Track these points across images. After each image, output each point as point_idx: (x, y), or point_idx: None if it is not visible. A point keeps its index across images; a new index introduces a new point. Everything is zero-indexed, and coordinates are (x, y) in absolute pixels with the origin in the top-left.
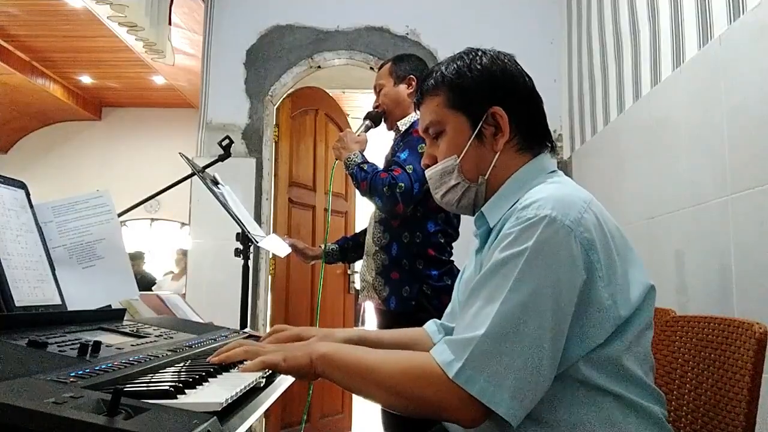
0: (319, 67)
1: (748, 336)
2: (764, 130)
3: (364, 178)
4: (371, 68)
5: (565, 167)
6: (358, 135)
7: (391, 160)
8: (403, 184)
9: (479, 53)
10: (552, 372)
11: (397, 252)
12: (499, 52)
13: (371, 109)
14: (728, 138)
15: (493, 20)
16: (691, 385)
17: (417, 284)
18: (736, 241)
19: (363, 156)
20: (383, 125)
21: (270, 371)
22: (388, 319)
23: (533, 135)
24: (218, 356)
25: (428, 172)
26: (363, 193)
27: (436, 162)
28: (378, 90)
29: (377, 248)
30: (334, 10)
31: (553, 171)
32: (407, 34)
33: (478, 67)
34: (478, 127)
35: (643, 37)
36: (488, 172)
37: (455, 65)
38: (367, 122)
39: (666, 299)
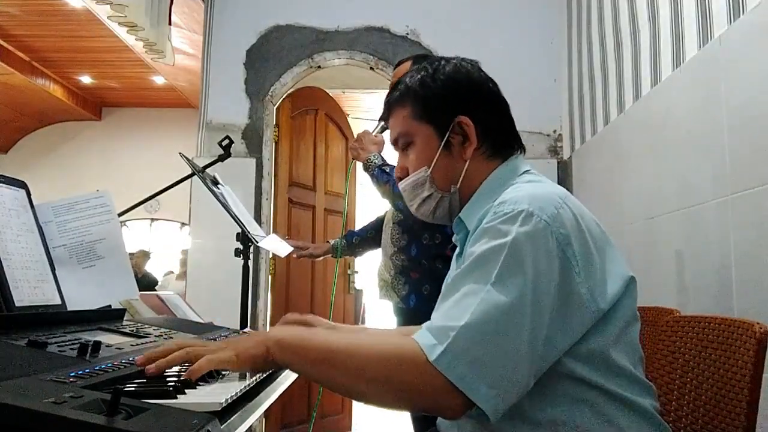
0: (319, 67)
1: (748, 336)
2: (764, 130)
3: (387, 180)
4: (371, 68)
5: (565, 167)
6: (375, 135)
7: None
8: None
9: (442, 62)
10: (531, 367)
11: (417, 253)
12: (462, 59)
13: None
14: (728, 138)
15: (493, 20)
16: (691, 385)
17: (437, 282)
18: (736, 241)
19: (382, 158)
20: None
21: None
22: (408, 317)
23: (501, 141)
24: (155, 364)
25: (401, 185)
26: (384, 195)
27: (408, 174)
28: None
29: (396, 249)
30: (334, 10)
31: (526, 171)
32: (407, 34)
33: (442, 77)
34: (446, 137)
35: (643, 37)
36: (460, 181)
37: (419, 76)
38: (383, 123)
39: (666, 299)
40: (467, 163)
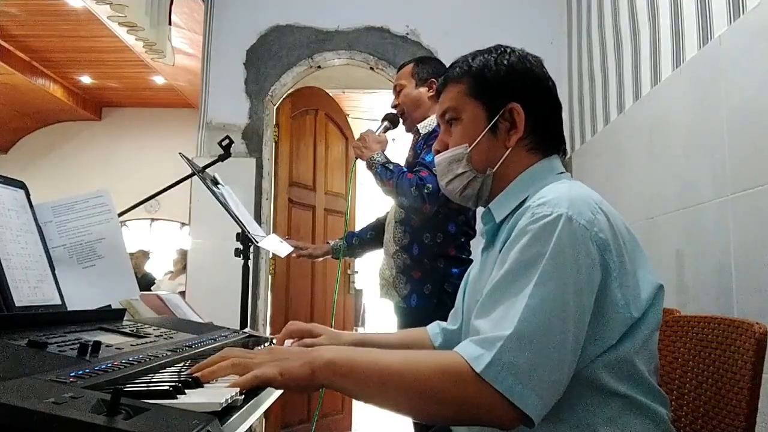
0: (319, 67)
1: (748, 336)
2: (764, 130)
3: (390, 177)
4: (371, 68)
5: (565, 167)
6: (378, 135)
7: (414, 162)
8: (430, 185)
9: (508, 50)
10: (571, 371)
11: (419, 252)
12: (527, 53)
13: (389, 111)
14: (728, 138)
15: (493, 20)
16: (691, 385)
17: (438, 282)
18: (736, 241)
19: (386, 156)
20: (400, 126)
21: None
22: (409, 317)
23: (547, 138)
24: (201, 371)
25: (437, 158)
26: (387, 192)
27: (447, 149)
28: (398, 90)
29: (397, 248)
30: (334, 10)
31: (562, 173)
32: (407, 34)
33: (505, 62)
34: (494, 120)
35: (643, 37)
36: (497, 166)
37: (483, 57)
38: (386, 123)
39: (666, 299)
40: (508, 150)
